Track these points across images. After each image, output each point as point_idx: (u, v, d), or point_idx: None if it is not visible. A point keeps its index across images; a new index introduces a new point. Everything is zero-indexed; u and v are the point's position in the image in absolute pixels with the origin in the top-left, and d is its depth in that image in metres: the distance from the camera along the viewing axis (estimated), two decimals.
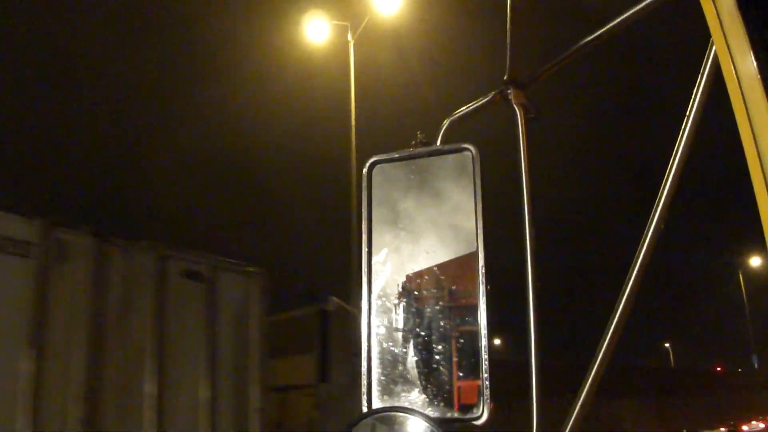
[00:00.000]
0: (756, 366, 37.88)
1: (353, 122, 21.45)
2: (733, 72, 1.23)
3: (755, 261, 43.40)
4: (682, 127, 1.40)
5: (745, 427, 23.11)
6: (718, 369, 44.92)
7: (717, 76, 1.34)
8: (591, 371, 1.52)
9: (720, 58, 1.26)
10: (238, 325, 8.31)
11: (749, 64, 1.19)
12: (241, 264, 8.64)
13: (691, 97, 1.43)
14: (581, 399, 1.51)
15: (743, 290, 43.96)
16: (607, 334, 1.49)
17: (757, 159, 1.15)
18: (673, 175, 1.43)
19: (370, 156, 1.72)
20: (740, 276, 44.27)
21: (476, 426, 1.50)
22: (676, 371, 43.61)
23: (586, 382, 1.52)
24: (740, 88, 1.20)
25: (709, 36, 1.29)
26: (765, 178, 1.14)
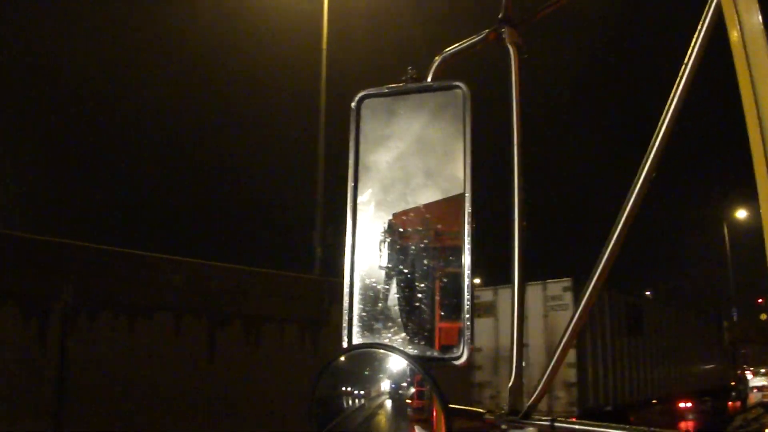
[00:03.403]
0: (735, 319, 39.23)
1: (324, 55, 21.21)
2: (736, 21, 1.27)
3: (741, 213, 44.53)
4: (679, 74, 1.44)
5: (681, 404, 21.76)
6: None
7: (719, 24, 1.38)
8: (571, 322, 1.58)
9: (723, 6, 1.31)
10: None
11: (753, 14, 1.24)
12: None
13: (690, 44, 1.46)
14: (557, 354, 1.57)
15: (726, 243, 45.36)
16: (589, 285, 1.54)
17: (755, 110, 1.21)
18: (667, 124, 1.45)
19: (356, 93, 1.75)
20: (725, 228, 45.59)
21: (455, 366, 1.58)
22: None
23: (563, 337, 1.58)
24: (742, 39, 1.24)
25: None
26: (762, 130, 1.19)
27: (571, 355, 14.96)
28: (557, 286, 16.79)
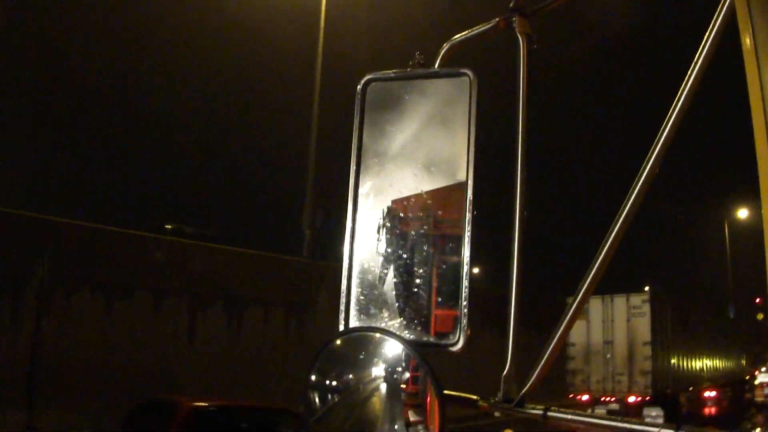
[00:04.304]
0: (731, 316, 40.21)
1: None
2: (749, 23, 1.31)
3: (742, 213, 45.52)
4: (688, 73, 1.49)
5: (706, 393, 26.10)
6: None
7: (731, 24, 1.43)
8: (564, 318, 1.62)
9: (736, 6, 1.35)
10: None
11: (766, 15, 1.28)
12: None
13: (701, 43, 1.50)
14: (553, 342, 1.62)
15: (727, 241, 46.63)
16: (585, 280, 1.58)
17: (762, 109, 1.26)
18: (673, 121, 1.50)
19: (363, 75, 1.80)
20: (725, 226, 46.82)
21: (451, 352, 1.63)
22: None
23: (560, 326, 1.63)
24: (754, 40, 1.29)
25: None
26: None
27: (647, 350, 21.92)
28: (638, 298, 23.17)
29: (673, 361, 24.08)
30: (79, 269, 20.30)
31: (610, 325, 23.60)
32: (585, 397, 23.20)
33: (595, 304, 23.52)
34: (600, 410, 21.38)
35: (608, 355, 23.38)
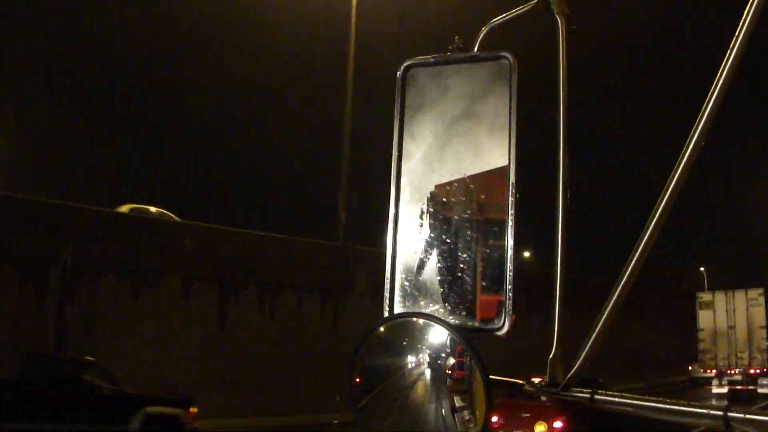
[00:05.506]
0: None
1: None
2: None
3: None
4: (730, 44, 1.52)
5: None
6: None
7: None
8: (609, 301, 1.63)
9: None
10: None
11: None
12: None
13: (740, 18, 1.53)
14: (599, 325, 1.66)
15: None
16: (631, 261, 1.62)
17: None
18: (718, 92, 1.53)
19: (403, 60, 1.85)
20: None
21: (497, 336, 1.69)
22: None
23: (606, 308, 1.67)
24: None
25: None
26: None
27: (764, 332, 31.03)
28: (755, 292, 32.36)
29: None
30: (104, 255, 20.60)
31: (732, 314, 32.73)
32: (713, 372, 32.74)
33: (720, 297, 33.47)
34: (726, 380, 32.11)
35: (732, 337, 32.52)
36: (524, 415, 14.49)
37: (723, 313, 33.17)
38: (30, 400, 14.71)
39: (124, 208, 24.07)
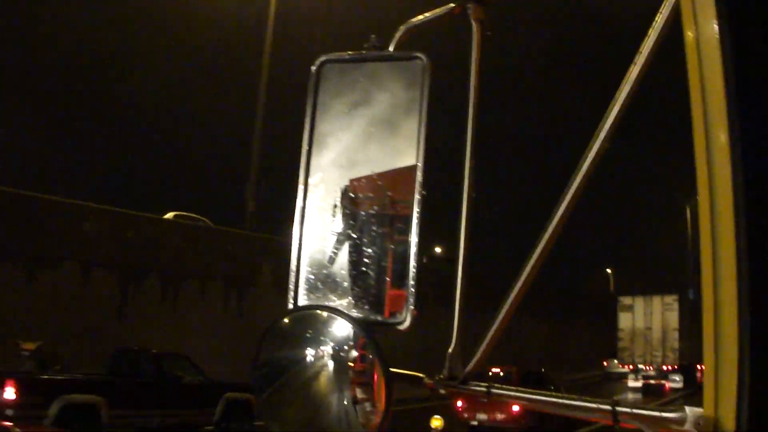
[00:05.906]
0: (691, 298, 42.88)
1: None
2: (693, 21, 1.42)
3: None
4: (630, 68, 1.59)
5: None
6: None
7: (676, 20, 1.53)
8: (508, 297, 1.69)
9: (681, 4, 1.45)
10: None
11: (710, 15, 1.38)
12: None
13: (647, 33, 1.60)
14: (498, 320, 1.71)
15: (688, 225, 50.76)
16: (530, 259, 1.67)
17: (701, 108, 1.37)
18: (625, 95, 1.58)
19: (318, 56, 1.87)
20: (688, 211, 51.13)
21: (399, 330, 1.73)
22: (612, 296, 51.11)
23: (504, 304, 1.72)
24: (697, 39, 1.40)
25: None
26: (707, 134, 1.35)
27: (676, 334, 36.01)
28: (670, 298, 38.13)
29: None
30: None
31: (649, 316, 37.48)
32: (630, 368, 37.86)
33: (639, 301, 38.60)
34: (641, 375, 37.64)
35: (648, 338, 36.94)
36: (486, 399, 15.11)
37: (641, 316, 38.42)
38: (134, 392, 16.61)
39: None
